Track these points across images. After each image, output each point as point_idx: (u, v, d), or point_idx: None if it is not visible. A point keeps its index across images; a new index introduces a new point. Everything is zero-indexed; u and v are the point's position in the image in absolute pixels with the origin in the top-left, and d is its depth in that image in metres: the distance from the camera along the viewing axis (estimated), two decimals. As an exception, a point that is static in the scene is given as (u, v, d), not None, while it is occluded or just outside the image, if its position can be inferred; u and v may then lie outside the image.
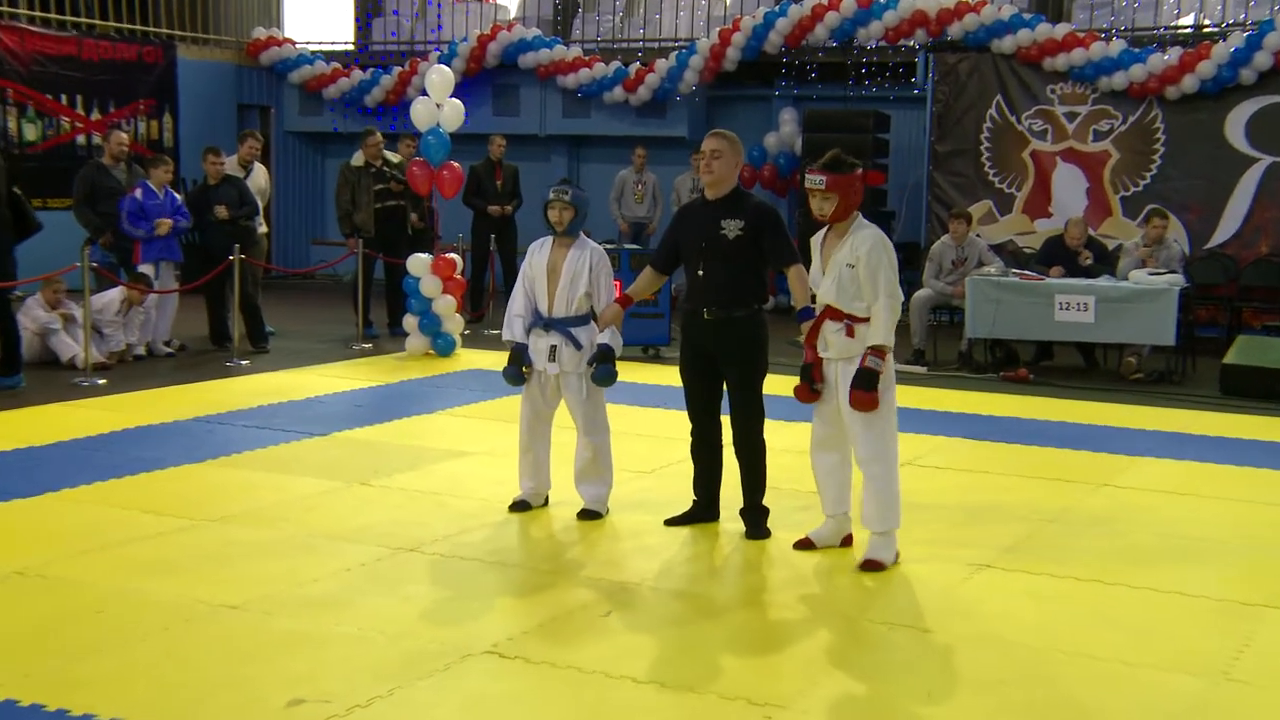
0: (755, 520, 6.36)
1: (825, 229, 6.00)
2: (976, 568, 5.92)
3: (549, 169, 17.88)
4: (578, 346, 6.48)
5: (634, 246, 13.00)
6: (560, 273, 6.44)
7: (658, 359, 12.00)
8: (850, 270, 5.80)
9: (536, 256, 6.55)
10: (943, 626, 5.14)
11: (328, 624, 4.99)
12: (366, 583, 5.52)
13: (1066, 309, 11.26)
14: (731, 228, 6.17)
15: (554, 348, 6.48)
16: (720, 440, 6.47)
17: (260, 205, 12.58)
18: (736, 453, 6.38)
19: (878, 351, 5.74)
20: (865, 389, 5.73)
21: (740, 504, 6.41)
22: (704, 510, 6.53)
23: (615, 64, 16.98)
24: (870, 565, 5.85)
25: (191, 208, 11.90)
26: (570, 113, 17.52)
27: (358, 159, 12.96)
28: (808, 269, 6.05)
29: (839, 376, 5.88)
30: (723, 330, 6.19)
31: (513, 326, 6.59)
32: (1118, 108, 14.37)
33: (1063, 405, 10.20)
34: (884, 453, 5.84)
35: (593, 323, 6.48)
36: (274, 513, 6.56)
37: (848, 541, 6.18)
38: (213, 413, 9.05)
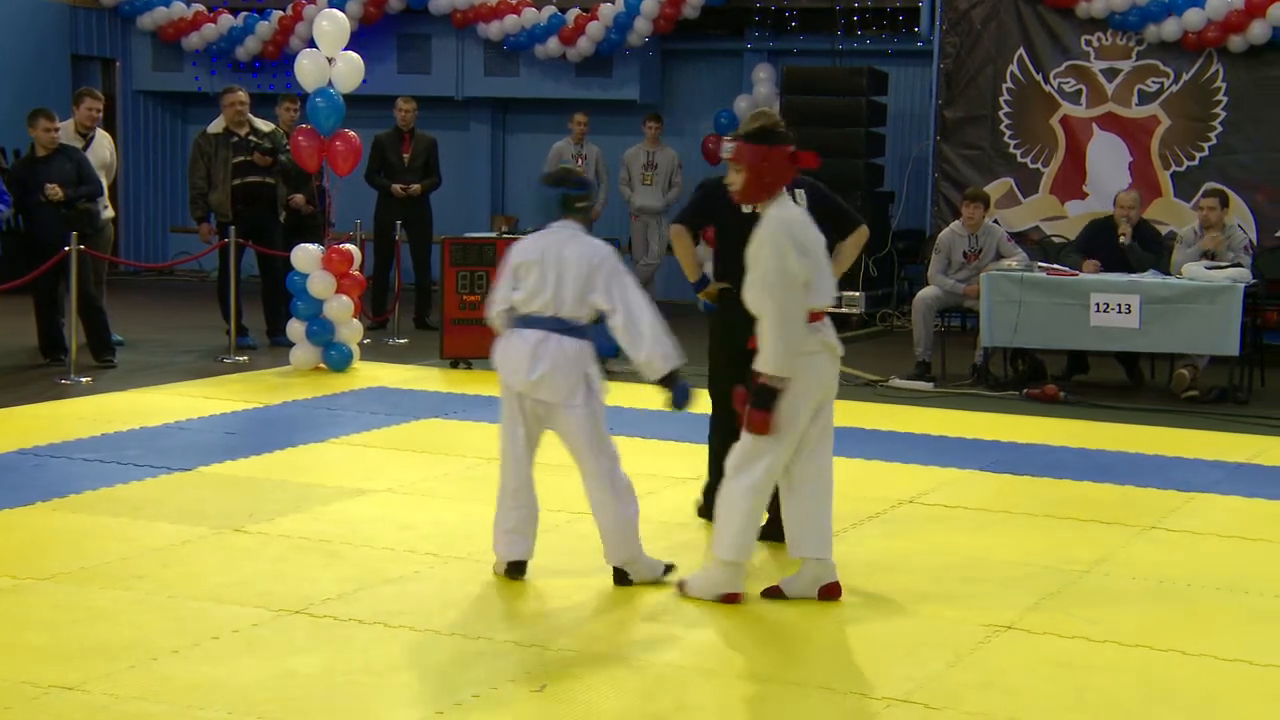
0: None
1: None
2: (995, 629, 5.96)
3: (467, 139, 17.90)
4: None
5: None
6: None
7: (603, 373, 11.95)
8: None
9: None
10: (953, 703, 5.16)
11: (189, 707, 4.95)
12: (240, 654, 5.48)
13: (1104, 311, 11.37)
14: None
15: None
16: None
17: (104, 183, 12.50)
18: None
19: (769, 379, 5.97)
20: (757, 406, 5.99)
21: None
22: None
23: (549, 9, 17.01)
24: (680, 585, 6.28)
25: (14, 186, 11.79)
26: (494, 70, 17.52)
27: (216, 125, 12.94)
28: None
29: None
30: None
31: None
32: (1169, 63, 14.56)
33: (1100, 430, 10.29)
34: (750, 468, 6.10)
35: None
36: (121, 568, 6.50)
37: (829, 593, 6.25)
38: (42, 443, 8.96)
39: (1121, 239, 11.98)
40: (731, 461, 6.20)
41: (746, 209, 7.02)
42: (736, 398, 6.26)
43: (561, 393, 6.36)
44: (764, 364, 5.98)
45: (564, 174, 6.62)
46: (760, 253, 6.00)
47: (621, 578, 6.46)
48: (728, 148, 6.25)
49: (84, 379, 11.20)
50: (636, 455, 8.80)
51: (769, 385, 5.96)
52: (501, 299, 6.47)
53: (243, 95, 12.96)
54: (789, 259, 5.96)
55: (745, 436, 6.12)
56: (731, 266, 7.05)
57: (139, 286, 17.79)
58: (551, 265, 6.34)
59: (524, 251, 6.42)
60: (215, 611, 5.93)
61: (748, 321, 6.75)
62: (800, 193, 6.98)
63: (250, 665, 5.37)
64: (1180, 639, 5.89)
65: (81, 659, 5.35)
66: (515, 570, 6.51)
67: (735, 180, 6.20)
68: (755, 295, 6.03)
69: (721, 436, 7.38)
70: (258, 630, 5.74)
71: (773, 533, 7.02)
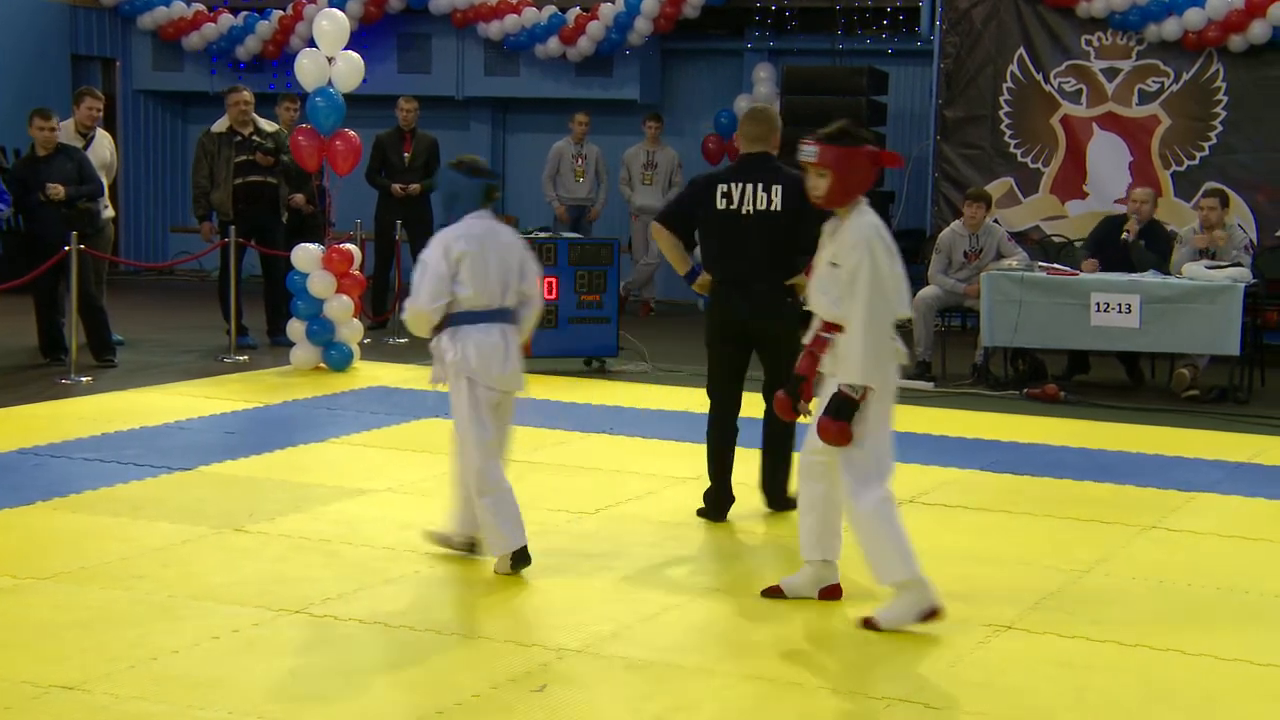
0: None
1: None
2: (995, 630, 5.97)
3: (467, 139, 17.88)
4: None
5: (573, 235, 13.00)
6: None
7: (603, 373, 12.01)
8: (834, 270, 5.89)
9: None
10: (953, 703, 5.16)
11: (190, 707, 4.95)
12: (239, 654, 5.48)
13: (1105, 311, 11.38)
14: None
15: None
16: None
17: (105, 183, 12.50)
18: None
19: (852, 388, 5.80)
20: (834, 417, 5.80)
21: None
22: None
23: (549, 9, 17.00)
24: (867, 623, 5.93)
25: (14, 185, 11.78)
26: (494, 70, 17.52)
27: (221, 125, 12.93)
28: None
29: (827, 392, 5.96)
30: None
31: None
32: (1169, 62, 14.56)
33: (1101, 429, 10.29)
34: (873, 485, 5.89)
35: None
36: (122, 568, 6.50)
37: (830, 594, 6.24)
38: (43, 442, 8.96)
39: (1125, 235, 11.97)
40: (847, 487, 5.90)
41: (721, 205, 7.12)
42: (780, 404, 6.22)
43: (523, 382, 6.59)
44: (853, 375, 5.78)
45: (476, 164, 6.64)
46: (852, 259, 5.80)
47: (476, 548, 6.63)
48: (809, 151, 5.90)
49: (84, 379, 11.19)
50: (637, 455, 8.82)
51: (849, 396, 5.77)
52: (440, 293, 6.37)
53: (248, 95, 12.96)
54: (883, 265, 5.81)
55: (848, 454, 5.85)
56: (725, 263, 7.32)
57: (139, 286, 17.78)
58: (493, 255, 6.43)
59: (459, 243, 6.41)
60: (215, 611, 5.93)
61: (740, 317, 6.96)
62: (777, 188, 7.12)
63: (250, 665, 5.37)
64: (1180, 639, 5.89)
65: (81, 659, 5.35)
66: (520, 558, 6.47)
67: (819, 185, 5.89)
68: (842, 302, 5.82)
69: (720, 434, 7.44)
70: (258, 630, 5.74)
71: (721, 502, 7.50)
